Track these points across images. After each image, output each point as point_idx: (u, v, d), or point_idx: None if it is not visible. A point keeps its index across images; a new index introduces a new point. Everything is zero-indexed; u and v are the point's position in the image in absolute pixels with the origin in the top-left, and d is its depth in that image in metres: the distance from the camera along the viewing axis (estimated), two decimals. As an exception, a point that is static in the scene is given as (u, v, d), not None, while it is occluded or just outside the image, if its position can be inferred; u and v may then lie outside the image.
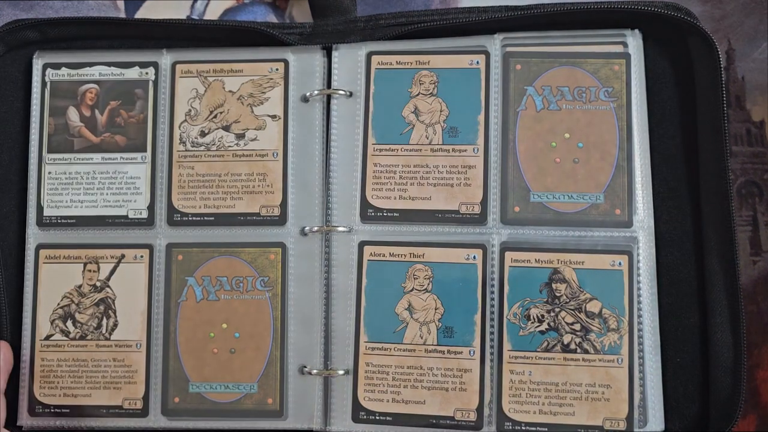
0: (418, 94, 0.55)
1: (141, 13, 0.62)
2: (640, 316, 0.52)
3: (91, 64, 0.57)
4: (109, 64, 0.57)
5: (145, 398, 0.54)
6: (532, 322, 0.52)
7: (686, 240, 0.54)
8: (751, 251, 0.57)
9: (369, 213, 0.54)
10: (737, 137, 0.58)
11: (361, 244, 0.54)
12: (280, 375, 0.54)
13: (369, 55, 0.56)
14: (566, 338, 0.52)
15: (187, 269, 0.55)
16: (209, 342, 0.54)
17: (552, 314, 0.52)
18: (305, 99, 0.56)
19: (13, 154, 0.57)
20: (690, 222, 0.54)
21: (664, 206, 0.54)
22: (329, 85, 0.56)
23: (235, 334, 0.54)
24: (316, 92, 0.56)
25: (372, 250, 0.54)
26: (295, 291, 0.55)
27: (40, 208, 0.56)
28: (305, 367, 0.54)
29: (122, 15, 0.62)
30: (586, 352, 0.52)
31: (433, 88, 0.55)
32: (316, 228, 0.55)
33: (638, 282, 0.52)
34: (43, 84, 0.57)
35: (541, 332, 0.52)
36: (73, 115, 0.57)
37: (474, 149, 0.54)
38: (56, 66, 0.57)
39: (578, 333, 0.52)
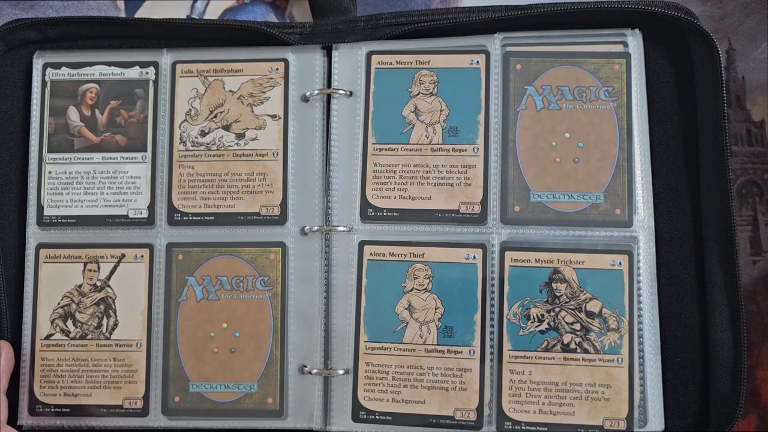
0: (418, 94, 0.55)
1: (141, 13, 0.62)
2: (640, 316, 0.52)
3: (91, 64, 0.57)
4: (109, 64, 0.57)
5: (146, 398, 0.54)
6: (532, 322, 0.52)
7: (686, 240, 0.54)
8: (751, 251, 0.57)
9: (369, 213, 0.54)
10: (737, 137, 0.58)
11: (361, 244, 0.54)
12: (280, 375, 0.54)
13: (369, 55, 0.56)
14: (566, 338, 0.52)
15: (187, 269, 0.55)
16: (209, 341, 0.54)
17: (552, 314, 0.52)
18: (305, 98, 0.56)
19: (13, 153, 0.57)
20: (690, 222, 0.54)
21: (664, 206, 0.54)
22: (329, 85, 0.56)
23: (235, 333, 0.54)
24: (316, 92, 0.56)
25: (372, 250, 0.54)
26: (295, 291, 0.55)
27: (40, 208, 0.56)
28: (305, 366, 0.54)
29: (122, 15, 0.62)
30: (586, 351, 0.52)
31: (433, 88, 0.55)
32: (316, 228, 0.55)
33: (638, 282, 0.52)
34: (44, 84, 0.57)
35: (541, 332, 0.52)
36: (73, 114, 0.57)
37: (474, 149, 0.54)
38: (56, 65, 0.57)
39: (578, 333, 0.52)
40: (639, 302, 0.52)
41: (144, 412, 0.54)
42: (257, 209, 0.55)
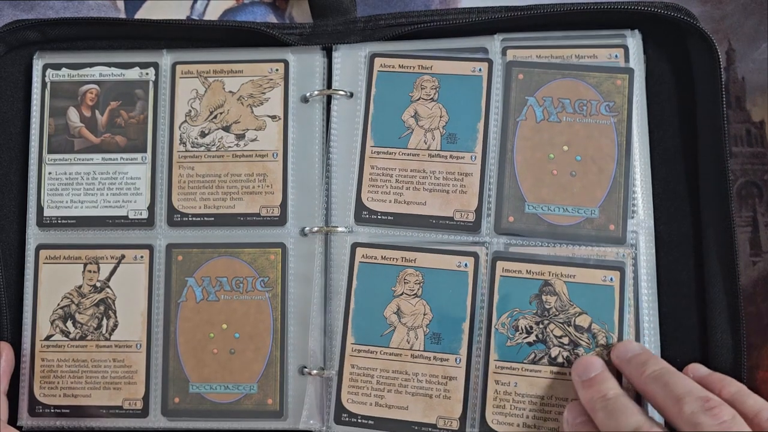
0: (419, 99, 0.55)
1: (141, 13, 0.62)
2: (637, 328, 0.51)
3: (91, 65, 0.57)
4: (109, 65, 0.57)
5: (145, 398, 0.54)
6: (520, 333, 0.52)
7: (686, 241, 0.54)
8: (751, 252, 0.57)
9: (363, 215, 0.54)
10: (737, 138, 0.58)
11: (354, 246, 0.54)
12: (280, 375, 0.54)
13: (372, 57, 0.56)
14: (554, 351, 0.51)
15: (187, 270, 0.55)
16: (209, 342, 0.54)
17: (540, 326, 0.52)
18: (305, 99, 0.56)
19: (13, 154, 0.58)
20: (689, 223, 0.54)
21: (664, 207, 0.54)
22: (329, 86, 0.56)
23: (235, 334, 0.54)
24: (315, 93, 0.56)
25: (364, 252, 0.54)
26: (295, 291, 0.55)
27: (40, 209, 0.56)
28: (305, 367, 0.54)
29: (122, 15, 0.62)
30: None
31: (434, 94, 0.55)
32: (316, 228, 0.55)
33: (636, 292, 0.51)
34: (44, 84, 0.57)
35: (529, 344, 0.52)
36: (73, 115, 0.57)
37: (471, 157, 0.54)
38: (56, 66, 0.57)
39: (566, 347, 0.51)
40: (637, 312, 0.51)
41: (144, 413, 0.54)
42: (257, 210, 0.55)
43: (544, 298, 0.52)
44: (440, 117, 0.54)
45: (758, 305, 0.56)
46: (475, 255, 0.53)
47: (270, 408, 0.54)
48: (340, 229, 0.54)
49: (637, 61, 0.54)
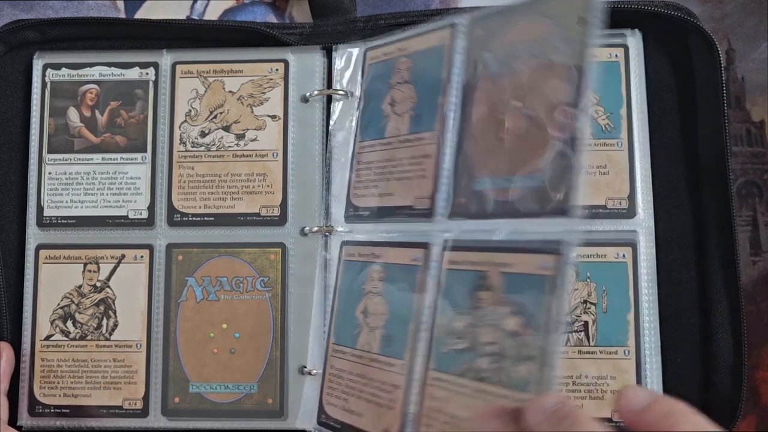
0: (395, 84, 0.53)
1: (141, 13, 0.62)
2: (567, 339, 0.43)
3: (91, 65, 0.57)
4: (109, 65, 0.57)
5: (145, 398, 0.54)
6: (452, 338, 0.42)
7: (686, 240, 0.53)
8: (751, 251, 0.57)
9: (350, 212, 0.54)
10: (737, 137, 0.58)
11: (342, 244, 0.53)
12: (280, 375, 0.54)
13: (365, 53, 0.55)
14: (481, 362, 0.39)
15: (187, 269, 0.55)
16: (209, 342, 0.54)
17: (473, 329, 0.41)
18: (305, 99, 0.56)
19: (13, 154, 0.58)
20: (690, 222, 0.54)
21: (664, 206, 0.54)
22: (329, 86, 0.56)
23: (235, 334, 0.54)
24: (315, 92, 0.56)
25: (347, 250, 0.53)
26: (295, 291, 0.55)
27: (40, 209, 0.56)
28: (305, 367, 0.54)
29: (122, 15, 0.62)
30: (497, 383, 0.39)
31: (408, 75, 0.52)
32: (316, 228, 0.55)
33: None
34: (44, 84, 0.57)
35: (460, 351, 0.42)
36: (73, 115, 0.57)
37: (432, 136, 0.48)
38: (56, 66, 0.57)
39: (493, 356, 0.39)
40: (637, 312, 0.48)
41: (144, 412, 0.54)
42: (257, 210, 0.55)
43: (478, 294, 0.41)
44: (410, 98, 0.51)
45: (758, 304, 0.56)
46: (426, 246, 0.46)
47: (270, 408, 0.54)
48: (339, 228, 0.54)
49: (636, 60, 0.53)
